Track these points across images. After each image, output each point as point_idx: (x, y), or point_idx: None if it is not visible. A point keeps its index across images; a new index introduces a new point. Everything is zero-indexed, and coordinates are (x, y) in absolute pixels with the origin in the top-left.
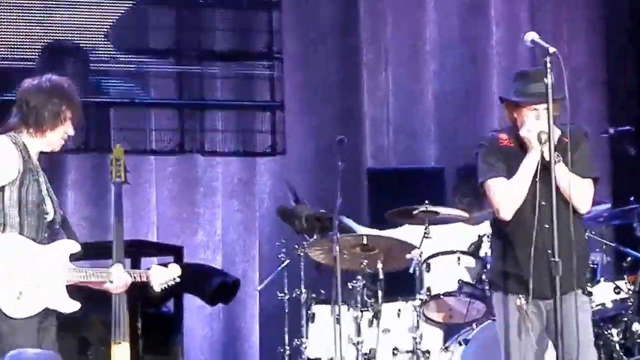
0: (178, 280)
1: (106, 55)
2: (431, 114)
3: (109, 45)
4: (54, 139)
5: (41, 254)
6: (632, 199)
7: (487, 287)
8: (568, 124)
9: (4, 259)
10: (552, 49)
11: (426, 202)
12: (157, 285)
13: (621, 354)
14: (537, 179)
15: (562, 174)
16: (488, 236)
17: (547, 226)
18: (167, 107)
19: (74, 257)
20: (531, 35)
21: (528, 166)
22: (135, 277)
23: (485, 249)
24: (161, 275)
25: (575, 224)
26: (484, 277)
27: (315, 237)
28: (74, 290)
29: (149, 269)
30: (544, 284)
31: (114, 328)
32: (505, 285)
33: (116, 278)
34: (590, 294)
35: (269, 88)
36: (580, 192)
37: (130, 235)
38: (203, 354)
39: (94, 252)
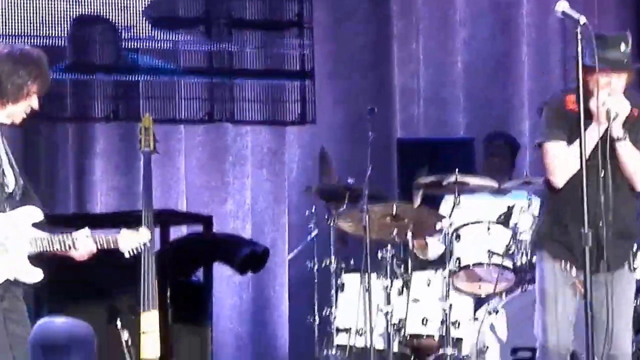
0: (148, 244)
1: (136, 27)
2: (461, 84)
3: (138, 17)
4: (15, 111)
5: (2, 223)
6: None
7: (517, 257)
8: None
9: None
10: (582, 20)
11: (456, 171)
12: (126, 251)
13: None
14: (598, 153)
15: (626, 152)
16: (521, 207)
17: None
18: (196, 76)
19: (40, 226)
20: (562, 6)
21: (590, 138)
22: (101, 243)
23: (515, 219)
24: (129, 239)
25: (631, 201)
26: (513, 247)
27: (344, 206)
28: (104, 258)
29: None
30: (592, 260)
31: (143, 297)
32: (553, 249)
33: (81, 245)
34: (634, 269)
35: (298, 57)
36: None
37: (159, 205)
38: (232, 323)
39: (123, 221)
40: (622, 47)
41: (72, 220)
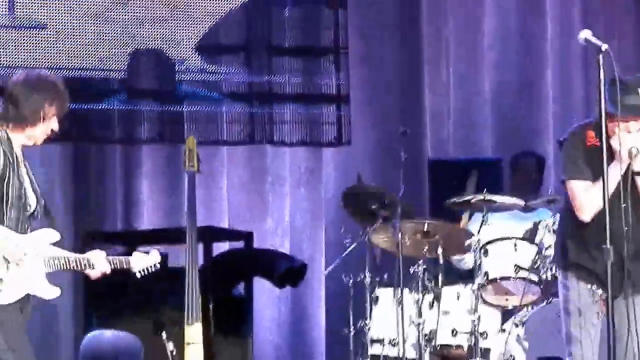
0: (158, 266)
1: (188, 59)
2: (489, 107)
3: (190, 50)
4: (35, 133)
5: (22, 243)
6: None
7: (542, 271)
8: None
9: None
10: (604, 47)
11: (484, 190)
12: (138, 272)
13: None
14: (621, 189)
15: None
16: (546, 225)
17: (625, 228)
18: (237, 101)
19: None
20: (585, 33)
21: (613, 176)
22: (115, 265)
23: (540, 236)
24: (141, 261)
25: None
26: (539, 262)
27: (378, 223)
28: (151, 274)
29: (130, 255)
30: (615, 284)
31: (187, 309)
32: (579, 272)
33: (97, 265)
34: None
35: (334, 82)
36: None
37: (202, 222)
38: (271, 334)
39: (169, 238)
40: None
41: (121, 236)
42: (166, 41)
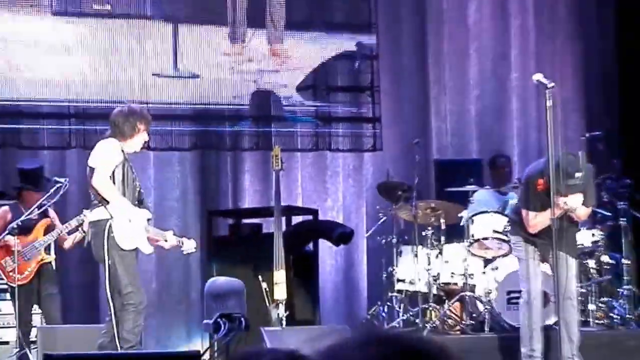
0: (193, 250)
1: (290, 97)
2: (473, 125)
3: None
4: (134, 143)
5: (137, 213)
6: (600, 177)
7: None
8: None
9: (126, 211)
10: (550, 85)
11: (471, 180)
12: (186, 250)
13: (594, 275)
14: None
15: (577, 215)
16: (512, 203)
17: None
18: (307, 121)
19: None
20: (537, 76)
21: (556, 211)
22: (178, 242)
23: (509, 210)
24: (188, 245)
25: (574, 228)
26: (507, 229)
27: (401, 202)
28: (251, 237)
29: (184, 237)
30: (547, 250)
31: (275, 260)
32: (523, 239)
33: (169, 240)
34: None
35: (371, 108)
36: (584, 217)
37: (285, 202)
38: (331, 276)
39: (263, 213)
40: (577, 175)
41: (231, 213)
42: (277, 85)
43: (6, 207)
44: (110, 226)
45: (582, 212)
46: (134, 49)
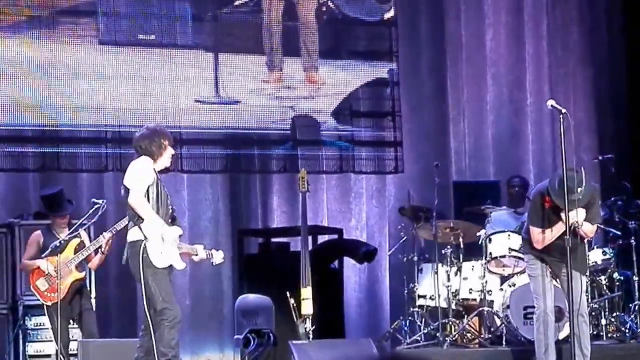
0: (222, 261)
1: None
2: (490, 148)
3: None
4: (163, 161)
5: (170, 230)
6: (612, 199)
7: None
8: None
9: (159, 230)
10: (563, 110)
11: (488, 201)
12: (215, 262)
13: (606, 291)
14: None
15: (582, 231)
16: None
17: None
18: (332, 145)
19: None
20: (550, 102)
21: (559, 230)
22: (207, 255)
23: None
24: (217, 256)
25: (582, 246)
26: (522, 249)
27: (421, 222)
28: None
29: (213, 250)
30: (558, 267)
31: (302, 277)
32: (535, 256)
33: (200, 253)
34: (587, 276)
35: (392, 132)
36: (589, 234)
37: (311, 222)
38: (355, 292)
39: (290, 232)
40: (579, 190)
41: (260, 232)
42: (313, 111)
43: (38, 232)
44: (145, 247)
45: (587, 228)
46: (176, 76)
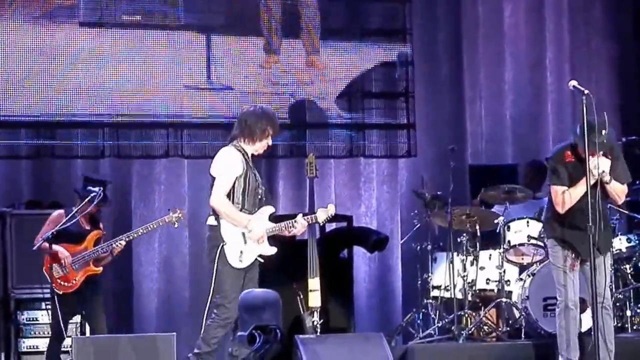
0: (329, 216)
1: (329, 109)
2: (509, 130)
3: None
4: (259, 146)
5: (255, 221)
6: (637, 182)
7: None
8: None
9: (242, 230)
10: (586, 91)
11: (506, 186)
12: (321, 219)
13: (631, 281)
14: (591, 189)
15: (611, 188)
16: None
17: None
18: (341, 127)
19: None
20: (573, 82)
21: (584, 185)
22: (311, 220)
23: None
24: (322, 215)
25: (607, 213)
26: (544, 234)
27: (436, 208)
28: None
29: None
30: (585, 250)
31: (310, 268)
32: (558, 242)
33: (298, 225)
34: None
35: (405, 114)
36: (620, 194)
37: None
38: (365, 283)
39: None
40: (603, 132)
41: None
42: (314, 97)
43: (62, 212)
44: (222, 249)
45: (617, 187)
46: (166, 59)
